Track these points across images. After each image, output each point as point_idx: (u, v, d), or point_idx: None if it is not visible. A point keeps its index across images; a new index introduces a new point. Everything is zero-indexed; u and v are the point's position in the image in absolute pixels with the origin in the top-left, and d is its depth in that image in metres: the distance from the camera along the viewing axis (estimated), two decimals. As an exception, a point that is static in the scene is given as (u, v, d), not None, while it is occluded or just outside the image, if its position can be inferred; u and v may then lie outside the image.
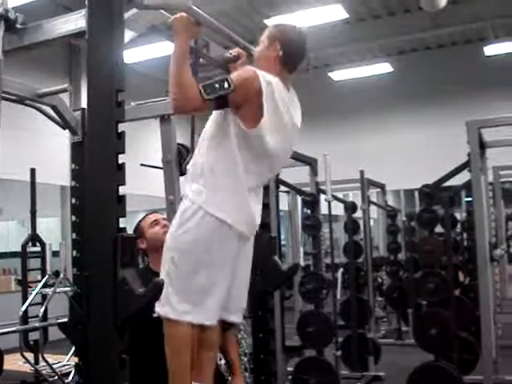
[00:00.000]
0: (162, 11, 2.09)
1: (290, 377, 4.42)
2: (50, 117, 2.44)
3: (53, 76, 8.81)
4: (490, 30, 9.50)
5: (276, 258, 2.99)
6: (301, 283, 4.95)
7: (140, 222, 2.53)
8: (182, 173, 2.56)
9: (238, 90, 1.88)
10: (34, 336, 5.17)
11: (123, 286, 1.60)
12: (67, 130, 2.40)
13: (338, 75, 11.28)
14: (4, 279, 9.11)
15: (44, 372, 5.11)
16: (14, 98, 2.25)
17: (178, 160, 2.62)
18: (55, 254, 5.65)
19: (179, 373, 1.96)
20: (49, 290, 5.16)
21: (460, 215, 7.86)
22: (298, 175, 5.63)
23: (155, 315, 1.97)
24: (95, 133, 1.70)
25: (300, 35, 2.12)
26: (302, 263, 6.38)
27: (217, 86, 1.85)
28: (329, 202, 4.65)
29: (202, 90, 1.84)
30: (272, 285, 3.03)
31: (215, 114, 2.03)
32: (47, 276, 5.26)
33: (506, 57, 9.85)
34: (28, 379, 5.07)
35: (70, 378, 4.80)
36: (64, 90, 2.29)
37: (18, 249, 5.60)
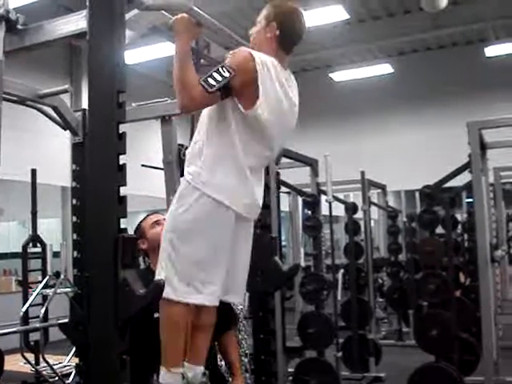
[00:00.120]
0: (163, 12, 2.09)
1: (290, 378, 4.42)
2: (50, 117, 2.44)
3: (54, 77, 8.81)
4: (490, 30, 9.50)
5: (277, 258, 2.98)
6: (301, 284, 4.96)
7: (141, 222, 2.53)
8: (183, 173, 2.56)
9: (237, 73, 1.87)
10: (34, 337, 5.17)
11: (124, 287, 1.60)
12: (68, 131, 2.41)
13: (338, 76, 11.29)
14: (5, 280, 9.12)
15: (45, 373, 5.12)
16: (15, 98, 2.25)
17: (178, 161, 2.63)
18: (56, 254, 5.66)
19: (171, 349, 1.94)
20: (49, 291, 5.16)
21: (461, 216, 7.86)
22: (298, 176, 5.65)
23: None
24: (96, 134, 1.71)
25: (297, 15, 2.10)
26: (303, 264, 6.38)
27: (217, 76, 1.84)
28: (329, 203, 4.66)
29: (205, 85, 1.83)
30: (272, 285, 3.03)
31: None
32: (48, 277, 5.27)
33: (506, 58, 9.84)
34: (29, 380, 5.06)
35: (71, 378, 4.81)
36: (65, 91, 2.30)
37: (19, 249, 5.59)
